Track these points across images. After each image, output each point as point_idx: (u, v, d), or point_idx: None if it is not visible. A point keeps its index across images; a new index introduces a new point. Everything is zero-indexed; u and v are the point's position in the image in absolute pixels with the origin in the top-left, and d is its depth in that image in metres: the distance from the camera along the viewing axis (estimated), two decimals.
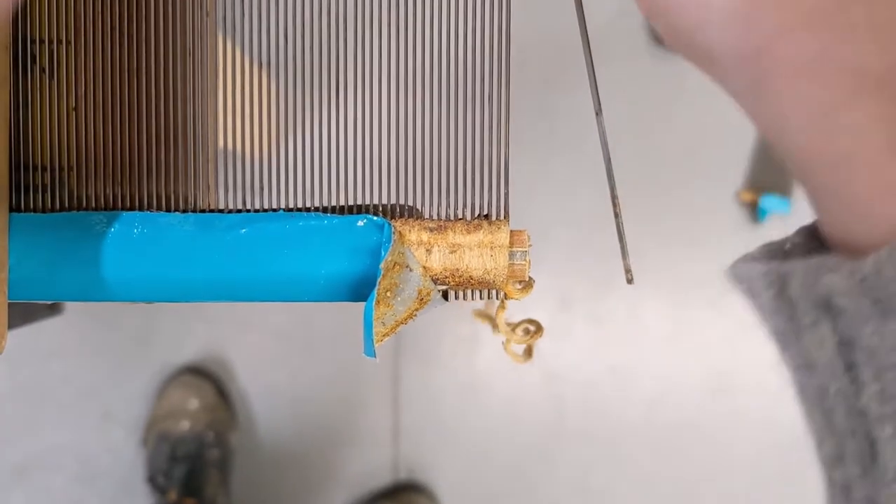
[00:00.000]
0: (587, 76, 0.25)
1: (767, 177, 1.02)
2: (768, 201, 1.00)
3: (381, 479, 1.06)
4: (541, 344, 0.27)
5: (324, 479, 1.07)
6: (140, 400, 1.03)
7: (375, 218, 0.23)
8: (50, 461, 1.03)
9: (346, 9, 0.22)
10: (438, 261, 0.23)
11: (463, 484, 1.07)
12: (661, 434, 1.07)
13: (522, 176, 0.92)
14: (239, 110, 0.23)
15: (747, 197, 1.01)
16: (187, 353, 1.04)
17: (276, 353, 1.05)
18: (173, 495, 0.99)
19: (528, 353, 0.25)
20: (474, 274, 0.23)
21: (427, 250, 0.23)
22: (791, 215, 1.00)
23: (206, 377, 1.03)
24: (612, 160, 0.25)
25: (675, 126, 1.01)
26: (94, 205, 0.22)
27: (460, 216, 0.24)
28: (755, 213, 1.01)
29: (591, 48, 0.24)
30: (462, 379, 1.06)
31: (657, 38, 0.96)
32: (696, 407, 1.06)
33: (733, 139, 1.01)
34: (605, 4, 0.96)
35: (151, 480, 1.00)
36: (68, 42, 0.22)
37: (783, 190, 1.01)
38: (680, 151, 1.02)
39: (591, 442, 1.06)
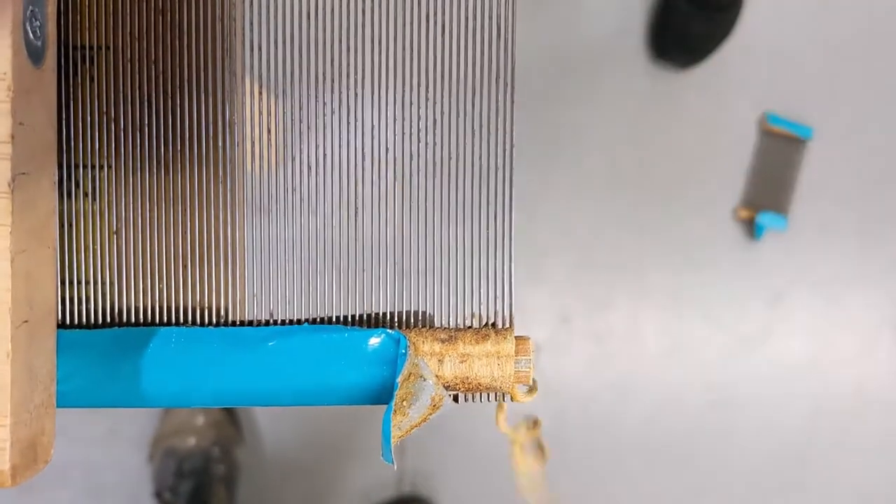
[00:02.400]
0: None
1: (764, 194, 1.03)
2: (765, 218, 1.01)
3: (386, 491, 1.08)
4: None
5: (329, 493, 1.09)
6: (146, 416, 1.04)
7: (392, 332, 0.25)
8: (57, 476, 1.04)
9: (364, 146, 0.24)
10: (450, 370, 0.25)
11: (467, 497, 1.08)
12: (661, 447, 1.08)
13: (523, 192, 0.93)
14: (265, 230, 0.24)
15: (744, 214, 1.02)
16: None
17: None
18: None
19: (541, 449, 0.27)
20: (482, 381, 0.25)
21: (439, 360, 0.25)
22: (787, 232, 1.02)
23: None
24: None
25: (672, 143, 1.02)
26: (132, 317, 0.24)
27: (469, 324, 0.26)
28: (752, 229, 1.02)
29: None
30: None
31: (655, 56, 0.97)
32: (695, 420, 1.07)
33: (730, 156, 1.02)
34: (604, 23, 0.98)
35: (158, 496, 1.02)
36: (109, 167, 0.24)
37: (780, 207, 1.02)
38: (677, 168, 1.03)
39: (591, 455, 1.08)
